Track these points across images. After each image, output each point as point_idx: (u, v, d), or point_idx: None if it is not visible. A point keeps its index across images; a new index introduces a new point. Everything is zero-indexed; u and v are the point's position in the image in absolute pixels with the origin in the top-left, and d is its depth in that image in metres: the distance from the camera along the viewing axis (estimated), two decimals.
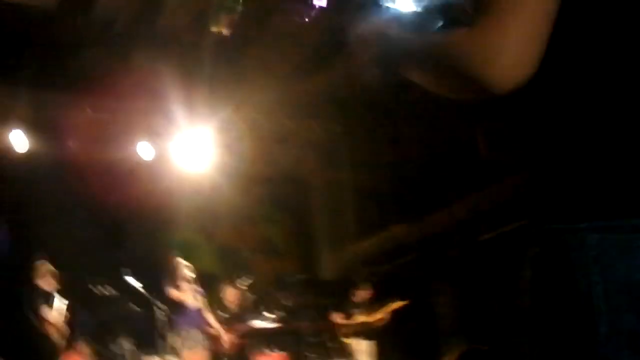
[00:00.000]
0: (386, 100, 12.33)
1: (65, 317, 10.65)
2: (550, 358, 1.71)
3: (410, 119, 12.68)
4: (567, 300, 1.69)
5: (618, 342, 1.59)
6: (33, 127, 12.65)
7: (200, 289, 11.54)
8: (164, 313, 11.05)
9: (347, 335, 12.67)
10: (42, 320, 10.31)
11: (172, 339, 10.85)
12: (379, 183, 14.23)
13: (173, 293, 11.23)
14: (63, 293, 10.89)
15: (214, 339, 11.78)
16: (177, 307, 11.19)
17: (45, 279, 10.61)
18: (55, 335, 10.30)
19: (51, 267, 10.78)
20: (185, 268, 11.42)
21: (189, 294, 11.27)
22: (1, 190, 13.34)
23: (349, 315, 12.75)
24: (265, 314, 12.17)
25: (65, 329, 10.48)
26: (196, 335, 11.03)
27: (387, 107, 12.70)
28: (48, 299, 10.53)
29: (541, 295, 1.73)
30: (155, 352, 11.46)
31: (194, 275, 11.46)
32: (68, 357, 11.78)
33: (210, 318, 11.66)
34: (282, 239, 16.41)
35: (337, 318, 12.78)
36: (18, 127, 12.50)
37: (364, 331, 12.60)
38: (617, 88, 1.62)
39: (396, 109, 12.46)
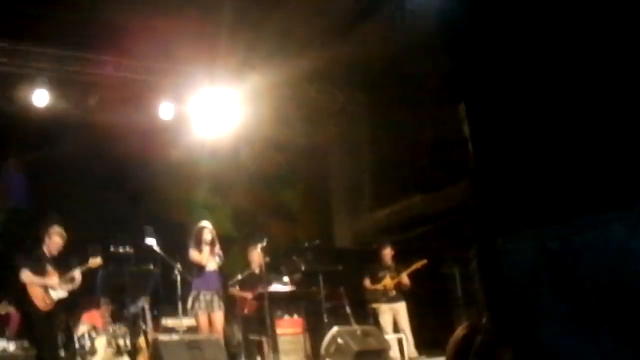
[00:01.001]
0: (409, 70, 12.30)
1: (72, 278, 10.65)
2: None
3: (431, 91, 12.62)
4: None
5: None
6: (55, 84, 12.66)
7: (219, 251, 11.54)
8: (182, 274, 11.11)
9: (375, 300, 12.79)
10: (35, 281, 10.28)
11: (190, 300, 10.89)
12: (398, 153, 14.21)
13: (193, 254, 11.22)
14: (76, 255, 10.91)
15: (231, 301, 11.84)
16: (196, 268, 11.20)
17: (53, 241, 10.59)
18: (46, 300, 10.27)
19: (61, 230, 10.75)
20: (205, 230, 11.39)
21: (208, 256, 11.26)
22: (23, 146, 13.42)
23: (376, 279, 12.86)
24: (281, 277, 12.20)
25: (56, 294, 10.44)
26: (214, 297, 11.05)
27: (410, 78, 12.66)
28: (49, 261, 10.53)
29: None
30: (173, 312, 11.55)
31: (213, 237, 11.43)
32: (88, 314, 11.90)
33: (228, 280, 11.70)
34: (298, 204, 16.43)
35: (366, 282, 12.91)
36: (40, 84, 12.52)
37: (391, 294, 12.71)
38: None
39: (419, 80, 12.40)
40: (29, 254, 10.52)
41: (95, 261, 10.68)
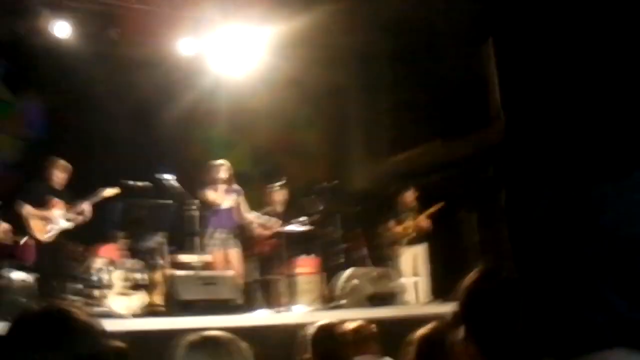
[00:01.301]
0: (432, 13, 12.15)
1: (80, 211, 10.61)
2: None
3: (455, 34, 12.45)
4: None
5: None
6: (77, 15, 12.60)
7: (237, 188, 11.50)
8: (200, 210, 11.09)
9: (397, 242, 12.79)
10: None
11: (206, 238, 10.89)
12: (418, 98, 14.09)
13: (208, 193, 11.20)
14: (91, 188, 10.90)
15: (246, 239, 11.85)
16: (212, 205, 11.18)
17: (56, 174, 10.54)
18: (46, 231, 10.26)
19: (65, 163, 10.68)
20: (220, 167, 11.35)
21: (223, 194, 11.23)
22: (42, 78, 13.39)
23: (399, 221, 12.84)
24: (299, 217, 12.19)
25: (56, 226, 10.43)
26: (229, 235, 11.06)
27: (433, 20, 12.51)
28: (54, 192, 10.50)
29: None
30: (190, 248, 11.58)
31: (229, 175, 11.39)
32: (104, 248, 11.94)
33: (244, 218, 11.67)
34: (316, 144, 16.37)
35: (392, 225, 12.90)
36: (61, 15, 12.46)
37: (408, 237, 12.71)
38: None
39: (442, 22, 12.26)
40: (31, 186, 10.53)
41: (112, 190, 10.64)
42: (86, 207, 10.51)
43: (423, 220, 12.64)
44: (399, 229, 12.81)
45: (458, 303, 2.53)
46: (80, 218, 10.47)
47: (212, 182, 11.22)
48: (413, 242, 12.74)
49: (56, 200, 10.34)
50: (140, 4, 12.80)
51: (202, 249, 11.04)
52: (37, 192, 10.38)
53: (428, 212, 12.65)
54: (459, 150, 13.08)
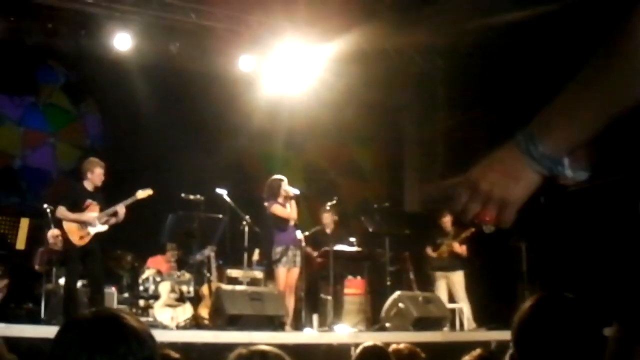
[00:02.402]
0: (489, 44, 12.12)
1: (114, 213, 10.58)
2: None
3: (513, 64, 12.41)
4: None
5: None
6: (138, 28, 12.78)
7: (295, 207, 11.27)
8: (250, 226, 11.07)
9: (432, 267, 12.73)
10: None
11: (277, 254, 10.78)
12: (472, 123, 14.03)
13: (277, 208, 11.04)
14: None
15: (304, 257, 11.81)
16: (280, 222, 11.03)
17: (96, 173, 10.52)
18: (81, 234, 10.26)
19: (101, 162, 10.64)
20: (284, 183, 11.14)
21: (287, 210, 11.03)
22: (101, 88, 13.60)
23: (435, 247, 12.77)
24: (348, 237, 12.16)
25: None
26: (297, 252, 10.92)
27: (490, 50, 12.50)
28: (91, 195, 10.50)
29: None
30: (238, 263, 11.60)
31: (294, 193, 11.16)
32: (153, 259, 12.04)
33: (300, 235, 11.53)
34: (370, 165, 16.39)
35: (429, 250, 12.83)
36: (123, 27, 12.65)
37: (446, 263, 12.64)
38: None
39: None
40: (68, 188, 10.58)
41: (145, 192, 10.57)
42: (120, 209, 10.46)
43: (456, 246, 12.54)
44: (434, 254, 12.74)
45: (512, 331, 2.53)
46: (113, 220, 10.43)
47: (275, 197, 11.04)
48: (449, 268, 12.64)
49: (90, 202, 10.35)
50: (201, 20, 12.94)
51: (250, 264, 10.99)
52: (74, 194, 10.38)
53: (461, 237, 12.54)
54: None
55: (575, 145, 1.59)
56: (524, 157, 1.62)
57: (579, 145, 1.58)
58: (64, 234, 10.03)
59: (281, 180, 11.09)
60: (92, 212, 10.22)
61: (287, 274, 10.79)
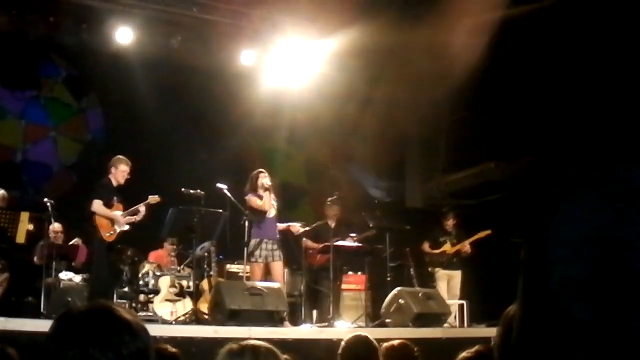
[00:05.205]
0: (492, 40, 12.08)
1: (136, 211, 10.62)
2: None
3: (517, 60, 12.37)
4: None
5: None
6: (140, 22, 12.75)
7: (274, 198, 11.24)
8: (250, 220, 11.03)
9: (433, 264, 12.74)
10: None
11: (251, 248, 10.79)
12: (474, 119, 13.99)
13: (253, 200, 10.96)
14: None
15: (299, 251, 11.80)
16: (257, 215, 11.01)
17: (120, 170, 10.54)
18: (110, 231, 10.29)
19: (127, 160, 10.66)
20: (262, 175, 11.05)
21: (269, 202, 11.00)
22: (103, 82, 13.59)
23: (436, 244, 12.79)
24: (349, 232, 12.15)
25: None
26: (274, 245, 10.91)
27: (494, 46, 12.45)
28: (115, 193, 10.53)
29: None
30: (238, 258, 11.59)
31: (271, 184, 11.09)
32: (154, 253, 12.05)
33: (294, 229, 11.52)
34: (372, 160, 16.35)
35: (425, 246, 12.86)
36: (125, 21, 12.62)
37: (449, 260, 12.66)
38: None
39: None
40: (102, 185, 10.58)
41: (154, 198, 10.66)
42: (142, 209, 10.56)
43: (466, 246, 12.56)
44: (437, 251, 12.76)
45: (498, 330, 2.52)
46: (133, 219, 10.51)
47: (253, 189, 11.03)
48: (451, 266, 12.67)
49: (116, 201, 10.43)
50: (203, 14, 12.91)
51: (250, 259, 10.96)
52: (106, 191, 10.44)
53: (472, 238, 12.56)
54: (513, 172, 12.97)
55: None
56: None
57: None
58: (94, 228, 10.09)
59: (260, 172, 11.09)
60: (118, 210, 10.35)
61: (267, 269, 10.78)
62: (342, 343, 5.47)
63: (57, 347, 1.96)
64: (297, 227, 11.50)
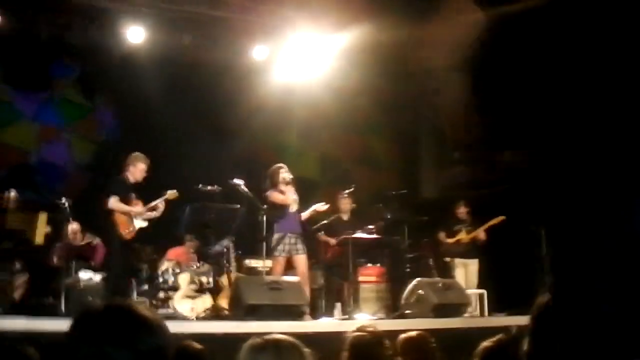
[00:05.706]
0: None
1: (155, 207, 10.64)
2: None
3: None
4: None
5: None
6: (151, 21, 12.74)
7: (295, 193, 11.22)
8: (267, 215, 10.98)
9: (449, 253, 12.71)
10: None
11: (274, 242, 10.77)
12: (487, 111, 13.94)
13: (275, 195, 10.96)
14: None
15: (315, 245, 11.79)
16: (279, 210, 11.00)
17: (138, 168, 10.55)
18: (129, 228, 10.30)
19: (144, 157, 10.67)
20: (282, 169, 11.06)
21: (292, 197, 11.01)
22: (115, 81, 13.59)
23: (451, 233, 12.76)
24: (366, 225, 12.12)
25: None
26: (298, 239, 10.88)
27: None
28: (133, 189, 10.54)
29: None
30: (257, 253, 11.59)
31: (290, 177, 11.07)
32: (172, 250, 12.06)
33: (320, 208, 11.41)
34: (386, 153, 16.33)
35: (441, 236, 12.83)
36: (136, 20, 12.61)
37: (465, 249, 12.63)
38: None
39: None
40: (117, 181, 10.60)
41: (172, 193, 10.67)
42: (161, 205, 10.60)
43: (480, 233, 12.52)
44: (451, 240, 12.72)
45: (530, 317, 2.49)
46: (151, 215, 10.54)
47: (274, 185, 11.04)
48: (467, 254, 12.63)
49: (135, 198, 10.46)
50: (214, 10, 12.89)
51: (269, 254, 10.93)
52: (122, 188, 10.46)
53: (486, 225, 12.52)
54: (526, 162, 12.94)
55: None
56: None
57: None
58: (113, 226, 10.12)
59: (280, 167, 11.08)
60: (137, 206, 10.37)
61: (289, 263, 10.78)
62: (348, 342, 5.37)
63: (74, 345, 1.96)
64: (321, 206, 11.40)
